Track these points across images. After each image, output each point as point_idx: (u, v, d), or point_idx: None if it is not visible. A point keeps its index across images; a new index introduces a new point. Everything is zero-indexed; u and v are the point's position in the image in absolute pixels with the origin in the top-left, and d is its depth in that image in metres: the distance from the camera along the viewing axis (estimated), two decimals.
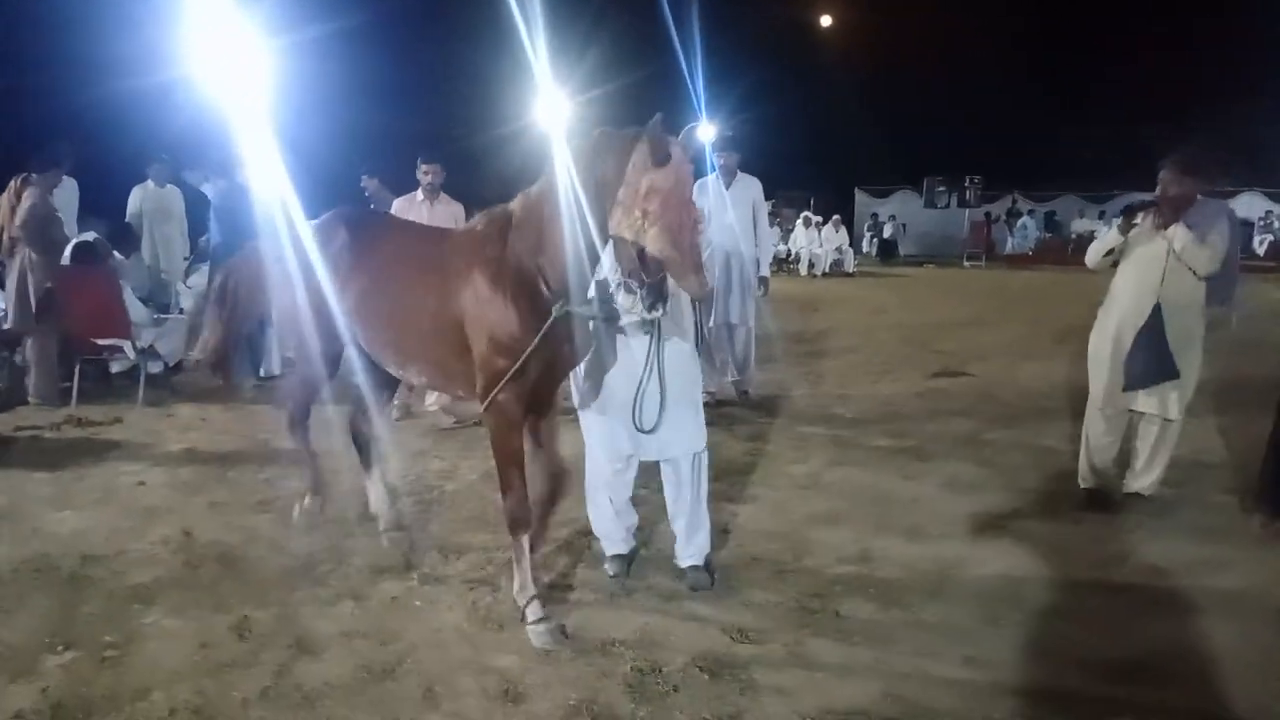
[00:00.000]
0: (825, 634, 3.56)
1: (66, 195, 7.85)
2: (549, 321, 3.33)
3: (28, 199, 6.93)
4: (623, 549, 4.12)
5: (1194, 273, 4.61)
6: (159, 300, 8.38)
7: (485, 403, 3.48)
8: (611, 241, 3.20)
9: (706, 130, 15.13)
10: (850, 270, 23.08)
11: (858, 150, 32.29)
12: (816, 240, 23.00)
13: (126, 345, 7.40)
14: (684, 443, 3.87)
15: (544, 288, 3.36)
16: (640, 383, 3.72)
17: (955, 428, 6.80)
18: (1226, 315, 4.90)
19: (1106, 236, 4.92)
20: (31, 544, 4.39)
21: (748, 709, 3.04)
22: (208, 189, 8.14)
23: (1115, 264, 4.93)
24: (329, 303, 3.92)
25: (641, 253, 3.06)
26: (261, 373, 8.13)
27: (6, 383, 7.45)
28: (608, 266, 3.42)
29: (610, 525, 4.08)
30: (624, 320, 3.61)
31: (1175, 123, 23.58)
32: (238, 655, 3.37)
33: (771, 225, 23.55)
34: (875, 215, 30.02)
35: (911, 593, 3.94)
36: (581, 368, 3.84)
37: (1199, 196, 4.67)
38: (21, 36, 12.87)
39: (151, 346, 7.60)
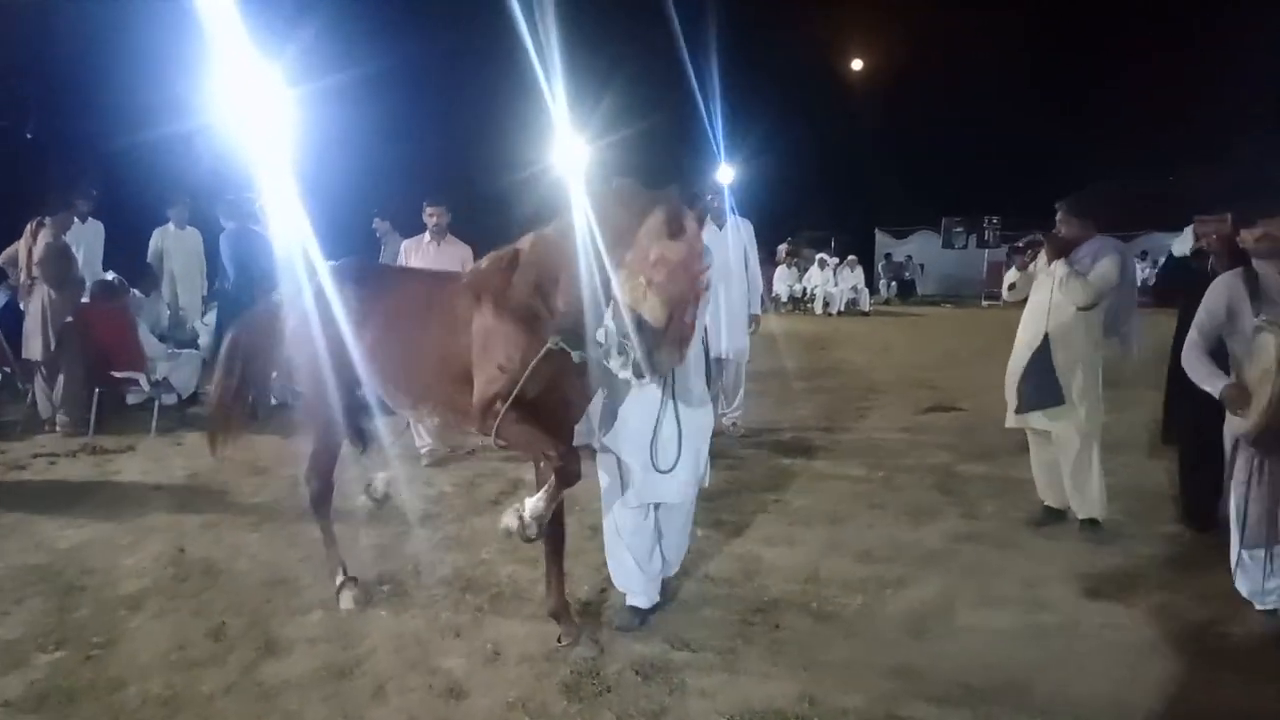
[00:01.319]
0: (758, 644, 3.79)
1: (91, 237, 8.34)
2: (543, 350, 3.35)
3: (43, 239, 7.44)
4: (643, 603, 4.00)
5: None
6: (176, 336, 8.79)
7: (480, 423, 3.49)
8: (613, 302, 3.18)
9: (725, 171, 15.45)
10: (866, 309, 23.27)
11: (879, 191, 32.54)
12: (832, 280, 23.25)
13: (141, 377, 7.80)
14: (695, 484, 3.90)
15: (545, 322, 3.40)
16: (657, 422, 3.72)
17: (930, 459, 7.00)
18: (1127, 346, 5.16)
19: (1009, 273, 5.24)
20: (34, 556, 4.74)
21: (672, 707, 3.28)
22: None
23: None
24: (348, 353, 3.93)
25: (639, 320, 3.06)
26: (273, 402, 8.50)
27: (26, 413, 7.87)
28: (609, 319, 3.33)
29: (632, 578, 3.98)
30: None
31: (1202, 161, 23.75)
32: (209, 655, 3.67)
33: (790, 266, 24.12)
34: (889, 255, 30.23)
35: (849, 609, 4.17)
36: (597, 413, 3.88)
37: (1096, 235, 4.99)
38: (54, 88, 13.54)
39: (165, 379, 8.00)
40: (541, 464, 3.64)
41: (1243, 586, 4.01)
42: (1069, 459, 5.09)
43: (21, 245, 7.72)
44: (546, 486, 3.38)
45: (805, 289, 23.94)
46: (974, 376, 11.26)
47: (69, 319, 7.60)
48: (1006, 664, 3.63)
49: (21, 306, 7.96)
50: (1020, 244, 5.23)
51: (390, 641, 3.80)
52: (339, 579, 4.21)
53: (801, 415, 8.87)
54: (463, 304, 3.63)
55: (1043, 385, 5.03)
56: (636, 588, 3.99)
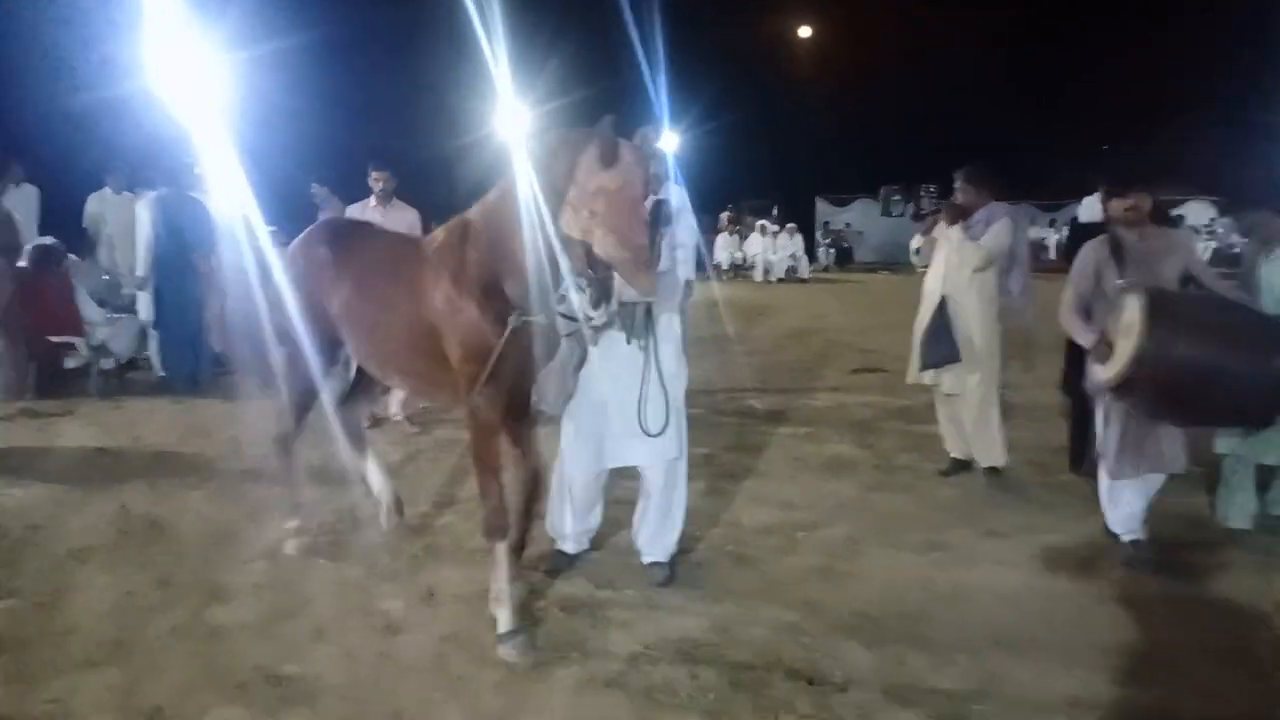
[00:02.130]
0: (677, 583, 4.08)
1: (27, 202, 8.29)
2: (508, 330, 3.36)
3: None
4: (570, 549, 4.25)
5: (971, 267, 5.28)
6: (113, 301, 8.79)
7: (467, 412, 3.57)
8: (563, 241, 3.23)
9: (668, 138, 15.50)
10: (805, 277, 23.74)
11: (821, 159, 32.96)
12: (771, 247, 23.64)
13: (79, 342, 7.84)
14: (666, 449, 3.93)
15: (504, 294, 3.40)
16: (642, 385, 3.79)
17: (853, 416, 7.37)
18: (1022, 309, 5.55)
19: (914, 240, 5.59)
20: None
21: (592, 638, 3.56)
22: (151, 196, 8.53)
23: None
24: (321, 314, 4.06)
25: (589, 252, 3.11)
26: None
27: None
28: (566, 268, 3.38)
29: (568, 525, 4.19)
30: (575, 324, 3.54)
31: (1136, 134, 24.56)
32: (157, 603, 3.85)
33: (731, 233, 24.41)
34: (827, 223, 30.74)
35: (763, 551, 4.48)
36: (553, 376, 3.83)
37: (991, 202, 5.38)
38: None
39: (104, 344, 8.05)
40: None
41: (1111, 521, 4.41)
42: (970, 412, 5.46)
43: None
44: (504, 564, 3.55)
45: (745, 256, 24.29)
46: (902, 340, 11.56)
47: (8, 286, 7.59)
48: (903, 597, 3.96)
49: None
50: (923, 211, 5.58)
51: (330, 587, 4.02)
52: (293, 523, 4.39)
53: (737, 378, 9.17)
54: (427, 278, 3.61)
55: (941, 343, 5.38)
56: (569, 535, 4.22)
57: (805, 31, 33.71)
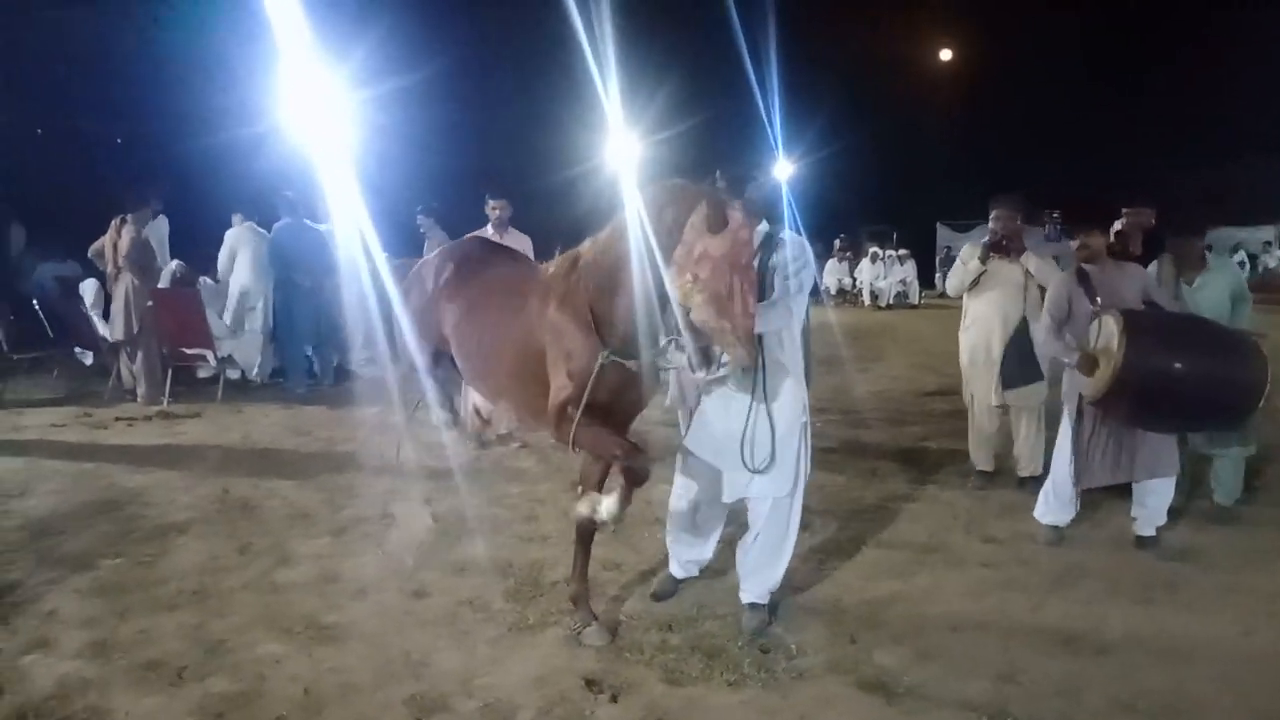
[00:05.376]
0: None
1: (159, 230, 9.46)
2: (597, 366, 3.37)
3: (127, 234, 8.57)
4: (679, 574, 4.24)
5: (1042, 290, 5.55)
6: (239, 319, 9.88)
7: (557, 435, 3.57)
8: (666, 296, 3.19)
9: (783, 168, 15.59)
10: (915, 302, 23.64)
11: (942, 184, 32.61)
12: (882, 273, 23.68)
13: (209, 354, 8.90)
14: (774, 485, 3.81)
15: (604, 331, 3.40)
16: (747, 423, 3.67)
17: (905, 433, 7.67)
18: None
19: (969, 267, 5.80)
20: (107, 493, 5.76)
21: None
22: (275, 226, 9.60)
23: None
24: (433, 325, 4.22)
25: (689, 318, 3.07)
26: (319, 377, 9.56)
27: (111, 384, 9.04)
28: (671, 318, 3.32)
29: (680, 548, 4.20)
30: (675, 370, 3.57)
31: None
32: (235, 564, 4.60)
33: (841, 259, 24.50)
34: (949, 249, 30.32)
35: None
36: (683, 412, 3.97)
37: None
38: (125, 92, 14.87)
39: (230, 356, 9.10)
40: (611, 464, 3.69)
41: (1058, 516, 4.91)
42: (1032, 426, 5.80)
43: (107, 239, 8.86)
44: (619, 487, 3.47)
45: (855, 282, 24.38)
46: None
47: (149, 304, 8.70)
48: (877, 588, 4.34)
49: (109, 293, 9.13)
50: (990, 240, 5.77)
51: (378, 559, 4.68)
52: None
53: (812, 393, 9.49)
54: (539, 301, 3.66)
55: (1025, 364, 5.70)
56: (681, 558, 4.22)
57: (946, 55, 33.48)
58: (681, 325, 3.12)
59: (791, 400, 3.75)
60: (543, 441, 6.46)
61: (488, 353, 3.97)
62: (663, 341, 3.29)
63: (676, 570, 4.25)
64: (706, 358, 3.09)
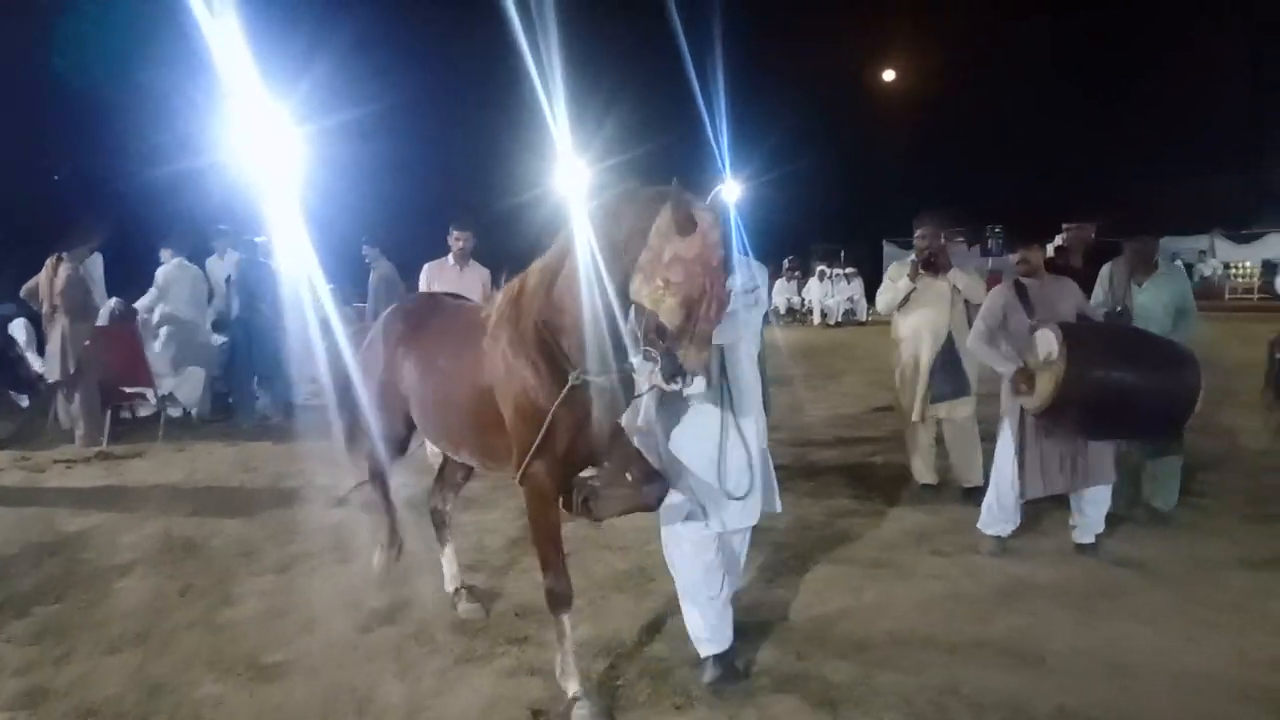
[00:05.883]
0: (629, 591, 4.58)
1: (95, 267, 9.29)
2: (565, 390, 3.22)
3: (63, 272, 8.41)
4: (724, 646, 3.69)
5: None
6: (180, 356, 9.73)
7: (519, 476, 3.37)
8: (633, 307, 3.05)
9: (730, 189, 15.75)
10: (863, 319, 23.94)
11: (895, 201, 33.18)
12: (830, 292, 23.97)
13: (149, 392, 8.75)
14: (749, 512, 3.67)
15: (561, 355, 3.25)
16: (720, 446, 3.54)
17: (853, 450, 7.77)
18: None
19: (898, 286, 5.95)
20: (47, 537, 5.65)
21: (534, 635, 4.08)
22: (221, 262, 9.51)
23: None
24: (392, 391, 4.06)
25: (658, 323, 2.93)
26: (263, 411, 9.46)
27: (50, 426, 8.87)
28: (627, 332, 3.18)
29: (711, 627, 3.67)
30: (647, 389, 3.33)
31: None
32: (177, 605, 4.53)
33: (790, 279, 24.74)
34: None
35: None
36: (644, 441, 3.69)
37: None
38: (66, 129, 14.71)
39: (171, 394, 8.96)
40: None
41: (1000, 527, 4.99)
42: (965, 438, 5.91)
43: (43, 278, 8.67)
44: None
45: (803, 300, 24.65)
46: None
47: (86, 342, 8.54)
48: (825, 605, 4.40)
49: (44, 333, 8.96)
50: (918, 258, 5.90)
51: (323, 595, 4.63)
52: (392, 546, 4.50)
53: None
54: (485, 343, 3.51)
55: (954, 377, 5.85)
56: (718, 635, 3.69)
57: (889, 75, 34.12)
58: (650, 333, 2.95)
59: (759, 425, 3.67)
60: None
61: (442, 405, 3.82)
62: (632, 354, 3.16)
63: (720, 645, 3.68)
64: (677, 366, 2.91)
